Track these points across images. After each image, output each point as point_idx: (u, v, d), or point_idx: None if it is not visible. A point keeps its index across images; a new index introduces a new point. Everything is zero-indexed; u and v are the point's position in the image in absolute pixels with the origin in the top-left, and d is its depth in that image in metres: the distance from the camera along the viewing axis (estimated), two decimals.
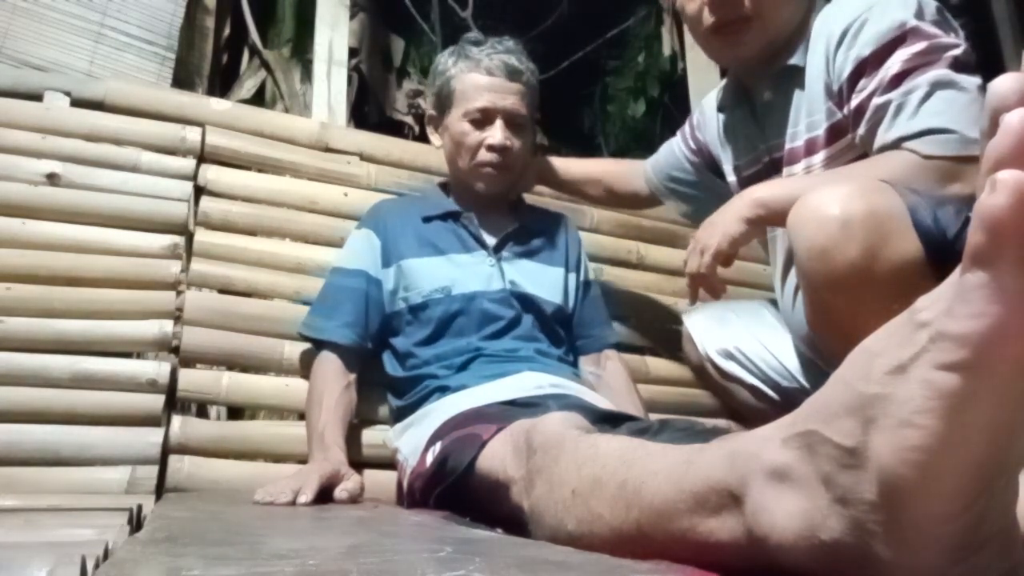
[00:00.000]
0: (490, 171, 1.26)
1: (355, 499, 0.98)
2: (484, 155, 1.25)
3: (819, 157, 1.10)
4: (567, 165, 1.52)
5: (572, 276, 1.36)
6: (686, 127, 1.44)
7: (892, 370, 0.35)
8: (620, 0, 3.51)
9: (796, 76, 1.12)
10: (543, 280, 1.30)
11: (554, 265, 1.34)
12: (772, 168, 1.19)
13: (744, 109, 1.23)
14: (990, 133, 0.31)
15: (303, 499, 0.89)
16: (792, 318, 1.18)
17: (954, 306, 0.32)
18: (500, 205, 1.36)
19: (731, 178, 1.30)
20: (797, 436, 0.40)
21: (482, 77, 1.25)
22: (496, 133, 1.24)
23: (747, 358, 1.32)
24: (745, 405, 1.35)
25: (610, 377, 1.31)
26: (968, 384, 0.32)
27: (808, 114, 1.11)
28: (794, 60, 1.11)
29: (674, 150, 1.44)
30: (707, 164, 1.39)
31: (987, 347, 0.31)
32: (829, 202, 0.88)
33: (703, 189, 1.41)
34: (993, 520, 0.35)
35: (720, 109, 1.30)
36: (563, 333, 1.30)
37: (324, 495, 0.94)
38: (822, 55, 1.08)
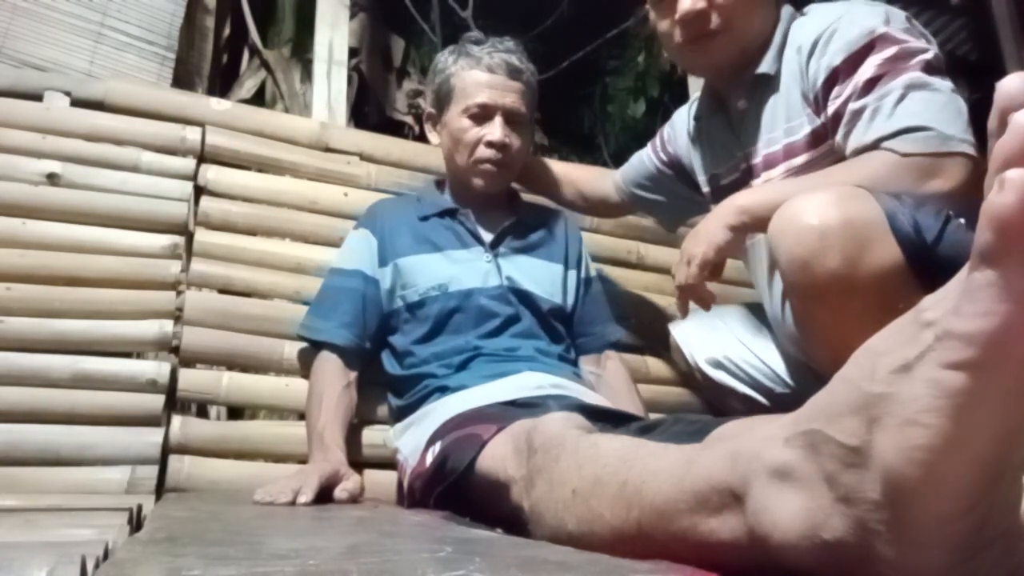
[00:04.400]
0: (488, 167, 1.26)
1: (355, 499, 0.98)
2: (483, 151, 1.25)
3: (800, 160, 1.11)
4: (545, 167, 1.53)
5: (572, 273, 1.36)
6: (656, 139, 1.45)
7: (897, 369, 0.35)
8: (620, 0, 3.51)
9: (768, 83, 1.13)
10: (541, 276, 1.30)
11: (552, 261, 1.34)
12: (749, 175, 1.20)
13: (720, 118, 1.24)
14: (998, 132, 0.31)
15: (303, 499, 0.89)
16: (782, 323, 1.18)
17: (961, 304, 0.32)
18: (497, 202, 1.35)
19: (706, 188, 1.30)
20: (800, 435, 0.40)
21: (482, 74, 1.26)
22: (495, 130, 1.24)
23: (737, 366, 1.30)
24: (737, 415, 1.34)
25: (610, 377, 1.31)
26: (975, 383, 0.32)
27: (786, 120, 1.12)
28: (763, 68, 1.13)
29: (644, 160, 1.45)
30: (678, 176, 1.40)
31: (994, 346, 0.31)
32: (807, 212, 0.88)
33: (670, 199, 1.43)
34: (997, 520, 0.35)
35: (696, 118, 1.31)
36: (562, 330, 1.30)
37: (324, 495, 0.94)
38: (795, 64, 1.10)
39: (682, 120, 1.37)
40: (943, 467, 0.33)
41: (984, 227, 0.31)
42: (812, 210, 0.88)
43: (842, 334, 0.87)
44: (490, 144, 1.24)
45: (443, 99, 1.30)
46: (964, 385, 0.32)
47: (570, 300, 1.34)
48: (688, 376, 1.48)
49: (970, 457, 0.33)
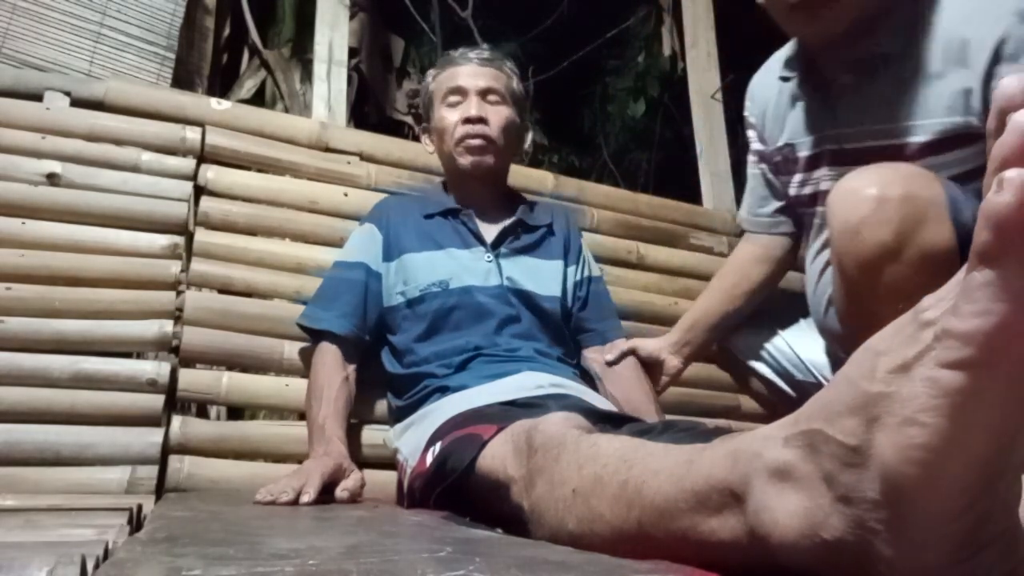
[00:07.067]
0: (471, 143, 1.28)
1: (355, 498, 0.98)
2: (461, 129, 1.28)
3: (942, 158, 1.00)
4: (703, 317, 1.37)
5: (572, 269, 1.36)
6: (752, 153, 1.31)
7: (896, 368, 0.35)
8: (620, 0, 3.50)
9: (888, 63, 1.04)
10: (541, 275, 1.30)
11: (552, 258, 1.34)
12: (840, 159, 1.10)
13: (812, 85, 1.14)
14: (997, 132, 0.31)
15: (305, 499, 0.89)
16: (814, 296, 1.16)
17: (959, 304, 0.32)
18: (499, 202, 1.36)
19: (778, 158, 1.21)
20: (800, 435, 0.40)
21: (454, 67, 1.32)
22: (471, 108, 1.27)
23: (766, 350, 1.32)
24: (758, 396, 1.35)
25: (619, 366, 1.31)
26: (973, 382, 0.32)
27: (924, 114, 1.01)
28: (885, 47, 1.03)
29: (760, 181, 1.32)
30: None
31: (992, 345, 0.31)
32: (868, 182, 0.86)
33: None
34: (996, 520, 0.35)
35: (784, 78, 1.19)
36: (563, 332, 1.30)
37: (325, 492, 0.94)
38: (955, 55, 0.98)
39: (761, 87, 1.26)
40: (941, 466, 0.33)
41: (982, 226, 0.31)
42: (874, 180, 0.86)
43: (883, 310, 0.85)
44: (467, 120, 1.27)
45: (428, 105, 1.35)
46: (962, 384, 0.32)
47: (570, 297, 1.34)
48: (718, 350, 1.46)
49: (968, 456, 0.33)
